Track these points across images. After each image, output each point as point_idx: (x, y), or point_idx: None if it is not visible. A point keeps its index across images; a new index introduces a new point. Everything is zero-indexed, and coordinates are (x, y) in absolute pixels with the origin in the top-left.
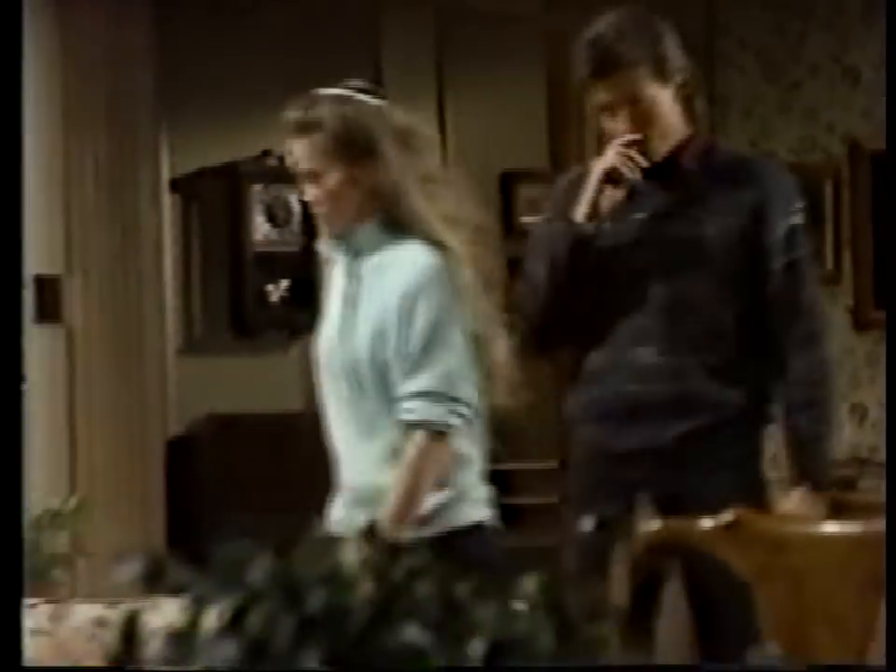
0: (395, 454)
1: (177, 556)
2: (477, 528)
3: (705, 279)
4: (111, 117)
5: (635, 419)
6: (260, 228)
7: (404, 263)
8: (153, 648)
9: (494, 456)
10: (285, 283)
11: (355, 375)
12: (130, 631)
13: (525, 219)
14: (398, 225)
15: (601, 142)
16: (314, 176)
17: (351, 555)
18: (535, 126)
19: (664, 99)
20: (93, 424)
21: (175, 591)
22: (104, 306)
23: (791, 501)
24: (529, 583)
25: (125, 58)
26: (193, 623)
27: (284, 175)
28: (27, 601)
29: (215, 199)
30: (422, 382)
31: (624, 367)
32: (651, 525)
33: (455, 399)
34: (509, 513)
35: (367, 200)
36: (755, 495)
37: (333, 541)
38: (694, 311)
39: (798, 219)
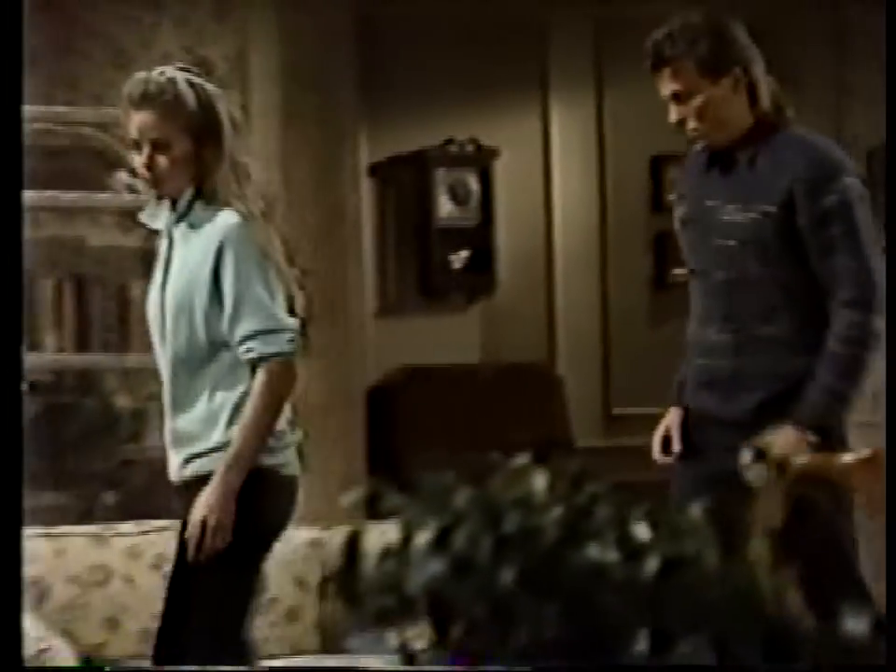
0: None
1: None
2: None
3: (754, 260)
4: (321, 114)
5: (709, 390)
6: (444, 206)
7: (214, 225)
8: (370, 564)
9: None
10: (465, 253)
11: (174, 328)
12: (352, 548)
13: (671, 197)
14: (212, 196)
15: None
16: (162, 146)
17: (540, 483)
18: None
19: (716, 92)
20: (309, 374)
21: (389, 515)
22: (315, 275)
23: (780, 435)
24: (695, 509)
25: (333, 64)
26: (405, 543)
27: (464, 160)
28: None
29: (405, 181)
30: (248, 325)
31: (698, 343)
32: (800, 457)
33: (281, 330)
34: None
35: (195, 172)
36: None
37: (525, 470)
38: (747, 290)
39: (834, 199)
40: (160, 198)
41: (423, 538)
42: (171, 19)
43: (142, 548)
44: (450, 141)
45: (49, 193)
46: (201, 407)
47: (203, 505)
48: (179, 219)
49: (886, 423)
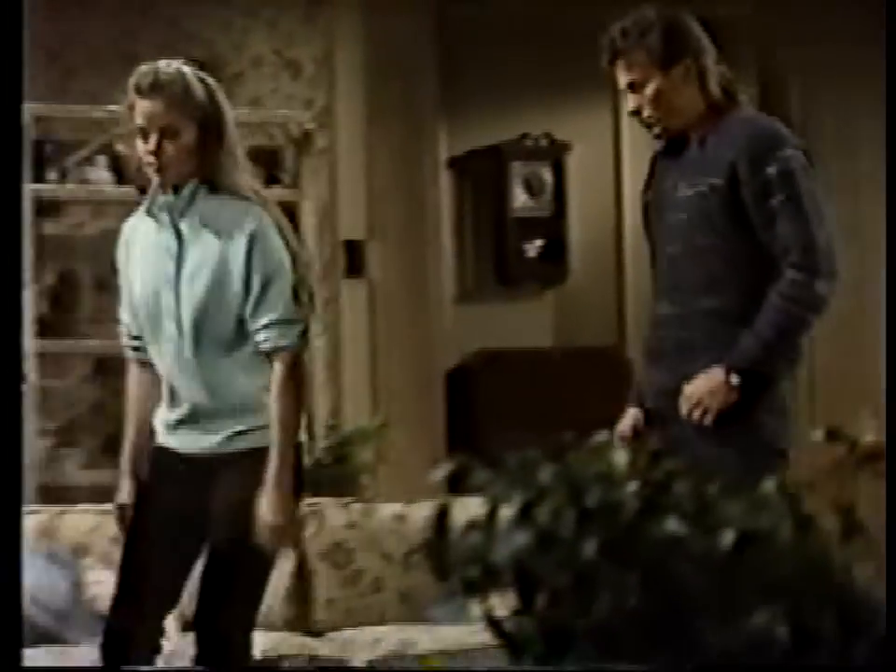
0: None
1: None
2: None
3: (699, 232)
4: (403, 110)
5: (658, 362)
6: (519, 197)
7: (238, 216)
8: (457, 537)
9: None
10: (538, 242)
11: (190, 319)
12: (441, 521)
13: None
14: (221, 186)
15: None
16: (171, 133)
17: (621, 459)
18: None
19: (667, 82)
20: (390, 358)
21: (474, 490)
22: (397, 263)
23: (708, 375)
24: (769, 484)
25: (414, 63)
26: (491, 517)
27: (538, 154)
28: (342, 500)
29: (482, 174)
30: (269, 314)
31: (651, 317)
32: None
33: (296, 322)
34: None
35: (199, 162)
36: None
37: (606, 447)
38: (692, 262)
39: (774, 169)
40: (162, 186)
41: (508, 511)
42: (262, 22)
43: None
44: (525, 135)
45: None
46: (234, 389)
47: (270, 511)
48: (184, 211)
49: (886, 423)
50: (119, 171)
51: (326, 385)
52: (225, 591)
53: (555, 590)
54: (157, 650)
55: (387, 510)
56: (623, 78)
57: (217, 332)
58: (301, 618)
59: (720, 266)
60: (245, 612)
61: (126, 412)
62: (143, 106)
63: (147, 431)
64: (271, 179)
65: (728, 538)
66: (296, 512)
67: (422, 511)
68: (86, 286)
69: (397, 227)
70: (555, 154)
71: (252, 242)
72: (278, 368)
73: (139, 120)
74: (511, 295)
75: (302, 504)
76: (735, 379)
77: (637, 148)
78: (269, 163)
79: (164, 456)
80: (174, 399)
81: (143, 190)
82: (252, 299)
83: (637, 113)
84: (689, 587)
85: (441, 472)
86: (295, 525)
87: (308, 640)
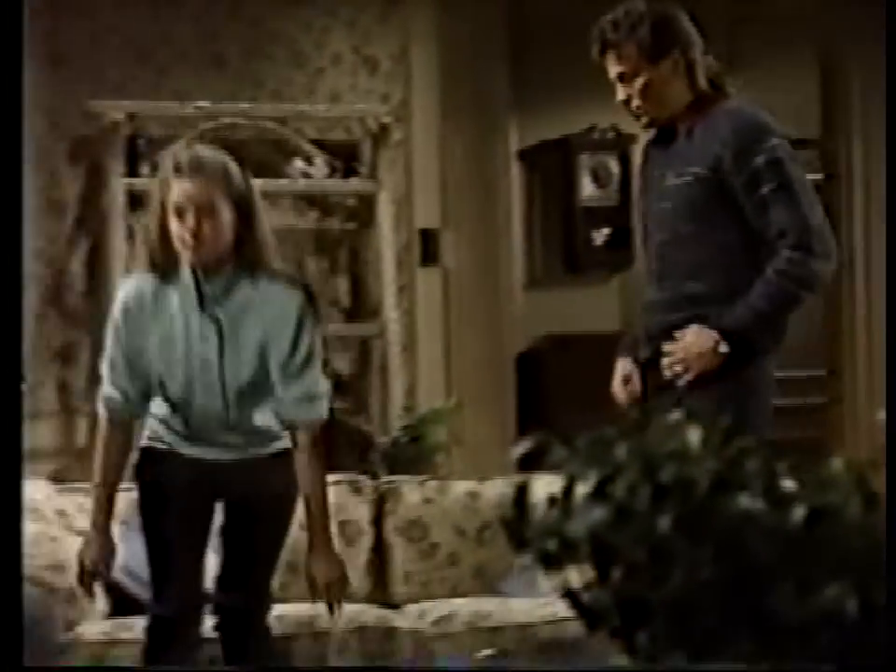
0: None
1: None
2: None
3: (685, 220)
4: (475, 104)
5: (648, 345)
6: (587, 187)
7: (282, 302)
8: (537, 513)
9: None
10: (605, 230)
11: (234, 394)
12: (520, 497)
13: None
14: (258, 270)
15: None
16: (209, 212)
17: (695, 436)
18: (810, 102)
19: (656, 74)
20: (463, 342)
21: (553, 467)
22: (470, 251)
23: (697, 336)
24: (837, 462)
25: (486, 59)
26: (568, 492)
27: (605, 145)
28: (417, 478)
29: (551, 165)
30: (302, 387)
31: (642, 303)
32: None
33: (322, 396)
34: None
35: (234, 245)
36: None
37: (679, 425)
38: (679, 249)
39: (762, 159)
40: (194, 264)
41: (586, 487)
42: (341, 22)
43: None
44: (592, 128)
45: None
46: (257, 424)
47: (325, 570)
48: (221, 299)
49: (886, 422)
50: None
51: (402, 368)
52: (251, 560)
53: (631, 563)
54: (199, 636)
55: (461, 487)
56: (612, 69)
57: (255, 398)
58: (379, 590)
59: (704, 253)
60: (267, 581)
61: (98, 468)
62: (182, 186)
63: (119, 486)
64: (349, 171)
65: (799, 513)
66: (343, 563)
67: (494, 489)
68: None
69: (469, 216)
70: (622, 145)
71: (298, 324)
72: (308, 436)
73: (177, 199)
74: (578, 281)
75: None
76: (723, 347)
77: None
78: (347, 156)
79: (172, 457)
80: (188, 428)
81: (154, 265)
82: (290, 373)
83: (626, 103)
84: (761, 561)
85: (520, 449)
86: (345, 575)
87: (386, 612)
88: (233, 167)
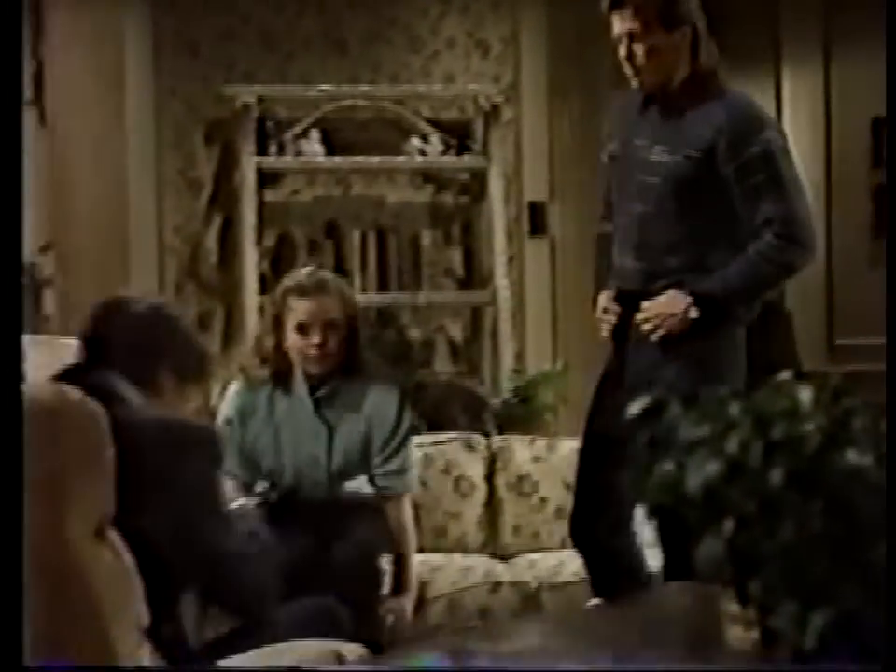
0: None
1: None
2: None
3: (671, 197)
4: (580, 85)
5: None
6: None
7: (382, 401)
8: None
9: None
10: None
11: (336, 473)
12: (639, 452)
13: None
14: (360, 374)
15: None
16: (333, 327)
17: (806, 395)
18: None
19: (666, 41)
20: (569, 308)
21: (668, 422)
22: (575, 223)
23: (667, 294)
24: None
25: (592, 42)
26: (682, 448)
27: None
28: (527, 437)
29: None
30: (398, 462)
31: (616, 269)
32: None
33: (412, 468)
34: (849, 379)
35: (344, 353)
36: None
37: (790, 385)
38: (659, 224)
39: (756, 149)
40: (311, 375)
41: (701, 443)
42: (455, 8)
43: (434, 456)
44: None
45: (357, 158)
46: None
47: (409, 609)
48: (330, 401)
49: (886, 421)
50: (330, 143)
51: (511, 333)
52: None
53: (743, 516)
54: None
55: (568, 445)
56: (623, 25)
57: (352, 474)
58: (490, 542)
59: (686, 229)
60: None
61: None
62: (307, 305)
63: None
64: (462, 148)
65: None
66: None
67: None
68: (300, 245)
69: (575, 189)
70: None
71: (398, 418)
72: (402, 505)
73: (302, 317)
74: None
75: None
76: (693, 312)
77: (797, 116)
78: (461, 134)
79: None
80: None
81: (270, 374)
82: (385, 454)
83: (628, 60)
84: (868, 514)
85: (638, 406)
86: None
87: (496, 564)
88: (347, 287)
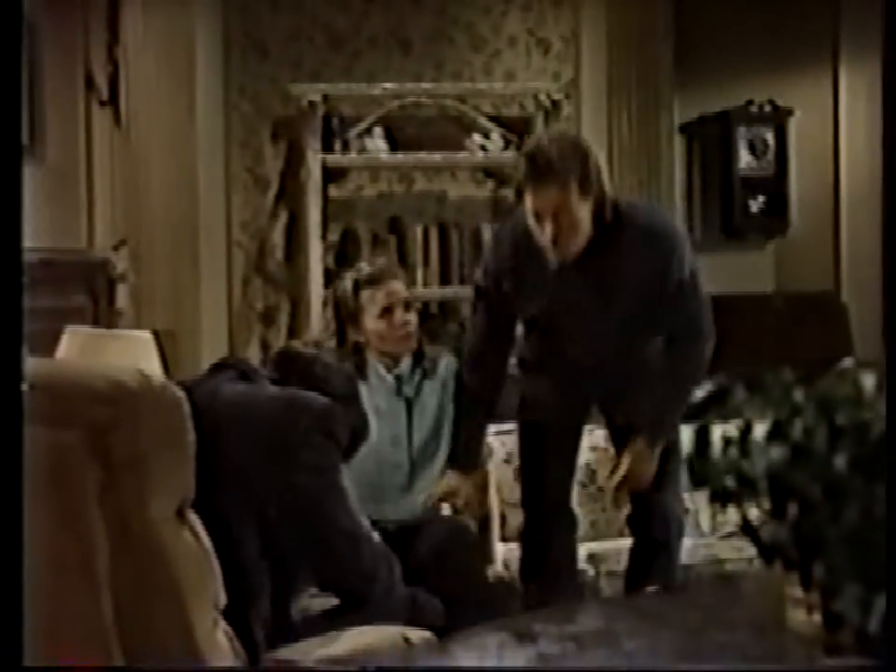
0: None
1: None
2: None
3: (619, 338)
4: (640, 82)
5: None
6: (744, 158)
7: (448, 370)
8: (717, 451)
9: None
10: (762, 198)
11: (419, 451)
12: (702, 438)
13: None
14: (424, 352)
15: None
16: (408, 305)
17: (870, 382)
18: None
19: (582, 209)
20: None
21: (733, 409)
22: None
23: (636, 445)
24: None
25: (651, 37)
26: (747, 433)
27: (762, 119)
28: (587, 427)
29: (711, 137)
30: None
31: (568, 361)
32: None
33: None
34: None
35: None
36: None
37: (853, 372)
38: (612, 362)
39: (685, 273)
40: (391, 356)
41: (764, 428)
42: (517, 7)
43: (494, 446)
44: (750, 102)
45: (419, 155)
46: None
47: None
48: (408, 377)
49: (886, 422)
50: (394, 140)
51: None
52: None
53: (807, 500)
54: None
55: None
56: (545, 201)
57: (433, 450)
58: None
59: (636, 360)
60: None
61: None
62: (385, 290)
63: None
64: (523, 144)
65: None
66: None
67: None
68: (364, 240)
69: (634, 185)
70: (778, 119)
71: (445, 386)
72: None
73: (384, 303)
74: (735, 246)
75: None
76: (656, 452)
77: (854, 112)
78: (521, 130)
79: None
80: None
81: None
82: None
83: (552, 234)
84: None
85: (702, 391)
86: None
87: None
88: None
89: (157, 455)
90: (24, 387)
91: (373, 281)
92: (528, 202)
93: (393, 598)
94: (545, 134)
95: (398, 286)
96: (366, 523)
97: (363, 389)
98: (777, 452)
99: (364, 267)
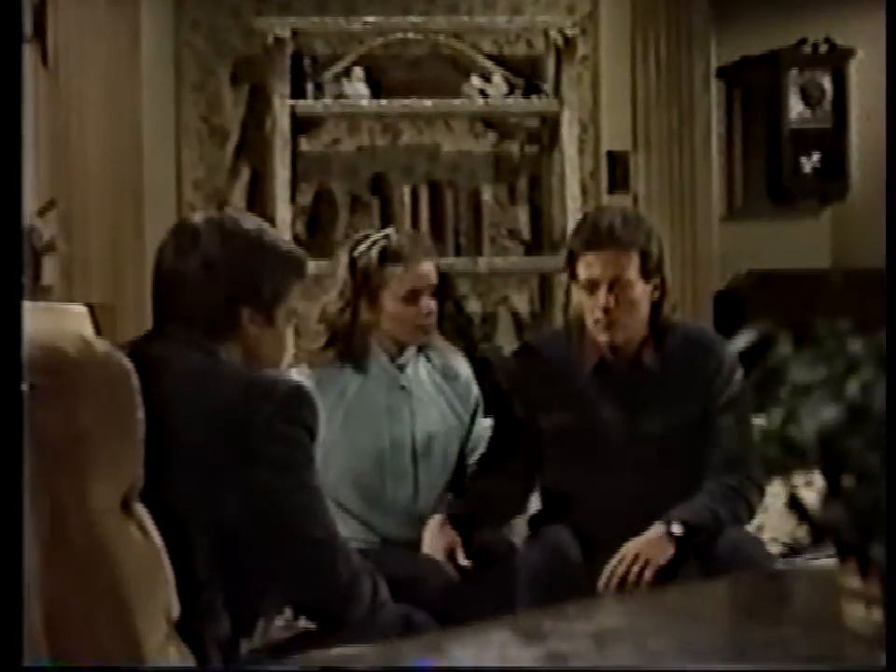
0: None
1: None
2: None
3: (664, 464)
4: (670, 16)
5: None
6: (795, 108)
7: (462, 365)
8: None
9: None
10: (816, 156)
11: (422, 451)
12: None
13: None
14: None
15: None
16: (433, 290)
17: None
18: None
19: (640, 289)
20: None
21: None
22: (662, 177)
23: (652, 531)
24: None
25: None
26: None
27: (817, 61)
28: None
29: (755, 83)
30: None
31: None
32: None
33: None
34: None
35: None
36: None
37: None
38: (650, 492)
39: (737, 387)
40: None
41: (816, 385)
42: None
43: None
44: (803, 41)
45: (407, 102)
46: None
47: None
48: (405, 368)
49: (886, 422)
50: (377, 85)
51: None
52: None
53: (865, 470)
54: None
55: None
56: (602, 270)
57: (437, 453)
58: None
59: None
60: None
61: None
62: (419, 271)
63: None
64: (530, 89)
65: None
66: None
67: None
68: (341, 203)
69: (663, 139)
70: (836, 61)
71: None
72: None
73: (412, 285)
74: (784, 213)
75: None
76: (677, 529)
77: None
78: (528, 73)
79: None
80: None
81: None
82: (477, 431)
83: (604, 311)
84: None
85: (742, 341)
86: None
87: None
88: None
89: (100, 434)
90: (24, 387)
91: (404, 257)
92: (582, 270)
93: (380, 620)
94: (606, 207)
95: (429, 267)
96: (341, 531)
97: (360, 382)
98: (830, 413)
99: (393, 236)
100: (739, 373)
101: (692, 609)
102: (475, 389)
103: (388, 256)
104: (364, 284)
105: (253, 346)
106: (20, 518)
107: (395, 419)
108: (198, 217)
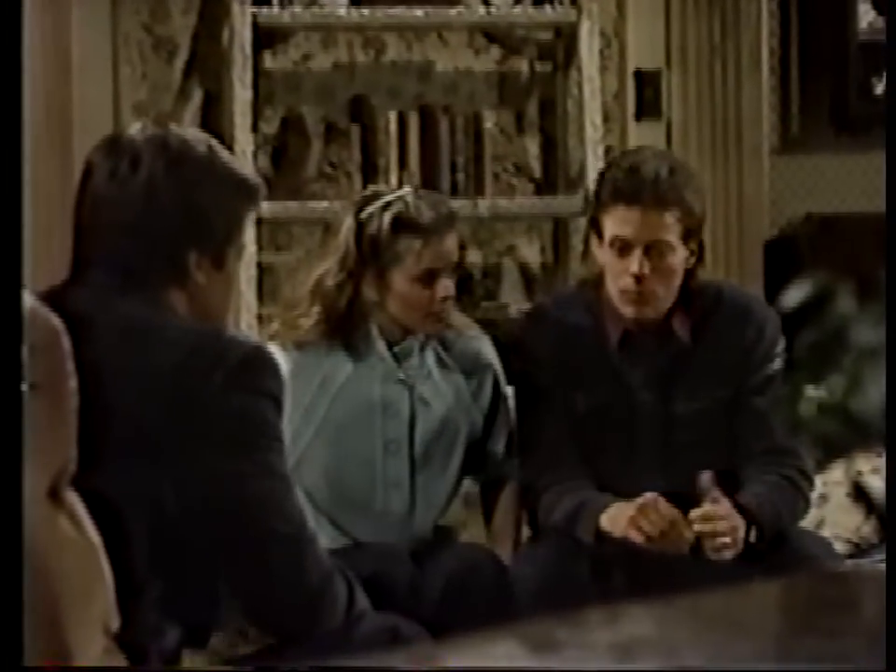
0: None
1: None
2: None
3: (699, 451)
4: None
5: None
6: (866, 16)
7: (476, 348)
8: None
9: None
10: None
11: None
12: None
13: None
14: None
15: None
16: (453, 270)
17: None
18: None
19: (680, 257)
20: None
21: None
22: (702, 101)
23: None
24: None
25: None
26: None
27: None
28: None
29: None
30: (503, 439)
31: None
32: None
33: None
34: None
35: None
36: None
37: None
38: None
39: (778, 365)
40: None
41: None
42: None
43: None
44: None
45: (393, 11)
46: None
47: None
48: (408, 358)
49: (886, 422)
50: None
51: None
52: None
53: None
54: None
55: None
56: (630, 226)
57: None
58: None
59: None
60: None
61: None
62: (437, 247)
63: None
64: None
65: None
66: None
67: None
68: (313, 132)
69: (702, 54)
70: None
71: (494, 378)
72: (510, 495)
73: (428, 264)
74: (850, 144)
75: None
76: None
77: None
78: None
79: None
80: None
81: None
82: (494, 433)
83: (638, 282)
84: None
85: (795, 296)
86: None
87: None
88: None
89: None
90: (24, 387)
91: (424, 228)
92: (610, 226)
93: (360, 633)
94: (645, 148)
95: (452, 243)
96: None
97: (350, 370)
98: None
99: (410, 199)
100: (781, 344)
101: (734, 617)
102: (501, 382)
103: (404, 224)
104: (371, 256)
105: (198, 295)
106: (19, 518)
107: (390, 417)
108: (136, 133)
